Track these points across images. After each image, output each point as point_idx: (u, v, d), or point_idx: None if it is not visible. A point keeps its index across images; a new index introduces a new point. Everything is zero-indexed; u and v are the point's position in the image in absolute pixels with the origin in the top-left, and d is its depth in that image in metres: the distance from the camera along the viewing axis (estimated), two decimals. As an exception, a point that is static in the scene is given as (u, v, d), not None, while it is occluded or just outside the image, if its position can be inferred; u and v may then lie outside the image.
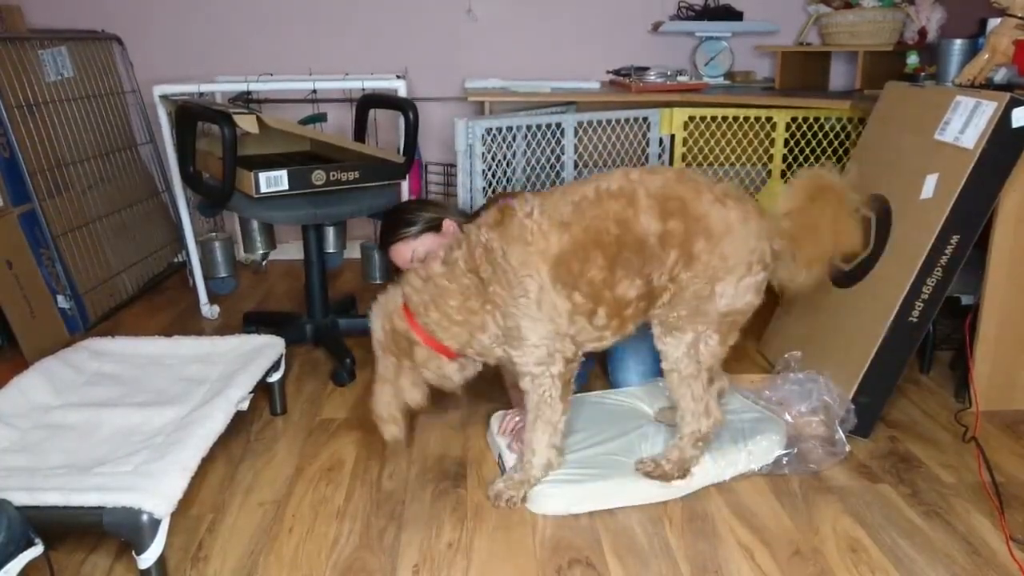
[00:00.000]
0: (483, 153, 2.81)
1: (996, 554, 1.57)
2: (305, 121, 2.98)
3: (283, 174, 2.29)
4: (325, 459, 1.95)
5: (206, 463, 1.65)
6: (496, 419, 2.00)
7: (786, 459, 1.86)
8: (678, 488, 1.75)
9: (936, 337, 2.34)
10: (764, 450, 1.85)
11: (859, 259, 2.15)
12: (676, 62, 3.48)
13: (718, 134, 3.25)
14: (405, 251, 2.14)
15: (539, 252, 1.61)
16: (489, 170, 2.84)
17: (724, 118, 3.17)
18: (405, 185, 2.80)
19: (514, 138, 2.93)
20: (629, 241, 1.59)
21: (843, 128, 3.06)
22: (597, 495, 1.73)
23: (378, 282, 3.27)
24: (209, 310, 2.98)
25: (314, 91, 2.95)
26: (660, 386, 2.01)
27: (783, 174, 3.13)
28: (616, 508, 1.72)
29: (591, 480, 1.74)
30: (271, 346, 2.09)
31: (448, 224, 2.16)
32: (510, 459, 1.83)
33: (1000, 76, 2.15)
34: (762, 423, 1.92)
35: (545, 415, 1.71)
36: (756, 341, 2.61)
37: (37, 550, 1.33)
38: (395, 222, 2.17)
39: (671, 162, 3.16)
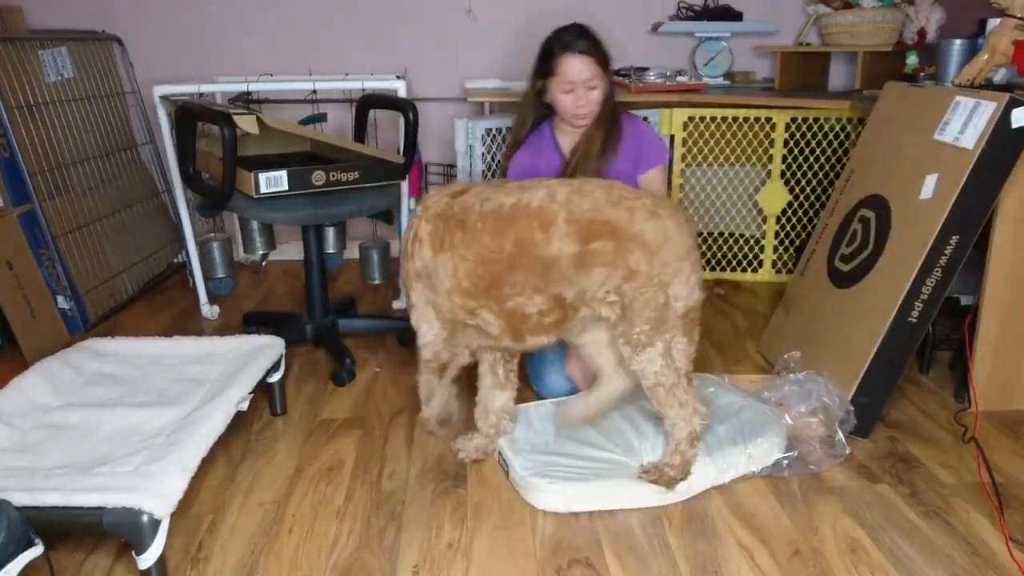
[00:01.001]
0: (483, 153, 2.81)
1: (995, 554, 1.57)
2: (305, 121, 2.97)
3: (283, 174, 2.29)
4: (325, 459, 1.95)
5: (206, 463, 1.65)
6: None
7: (786, 461, 1.86)
8: (679, 492, 1.75)
9: (936, 337, 2.34)
10: (764, 452, 1.85)
11: (859, 259, 2.16)
12: (676, 62, 3.48)
13: (717, 134, 3.26)
14: (586, 70, 2.07)
15: (432, 241, 1.71)
16: (489, 170, 2.85)
17: (724, 118, 3.17)
18: (405, 185, 2.80)
19: (514, 138, 2.93)
20: (526, 262, 1.64)
21: (842, 128, 3.07)
22: (597, 494, 1.73)
23: (377, 283, 3.27)
24: (209, 310, 2.98)
25: (314, 91, 2.95)
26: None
27: (783, 174, 3.14)
28: (616, 508, 1.72)
29: (592, 479, 1.74)
30: (271, 346, 2.09)
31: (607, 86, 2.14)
32: (511, 458, 1.83)
33: (999, 76, 2.15)
34: (762, 425, 1.92)
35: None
36: (756, 341, 2.62)
37: (37, 550, 1.33)
38: (596, 40, 2.11)
39: (670, 163, 3.16)
